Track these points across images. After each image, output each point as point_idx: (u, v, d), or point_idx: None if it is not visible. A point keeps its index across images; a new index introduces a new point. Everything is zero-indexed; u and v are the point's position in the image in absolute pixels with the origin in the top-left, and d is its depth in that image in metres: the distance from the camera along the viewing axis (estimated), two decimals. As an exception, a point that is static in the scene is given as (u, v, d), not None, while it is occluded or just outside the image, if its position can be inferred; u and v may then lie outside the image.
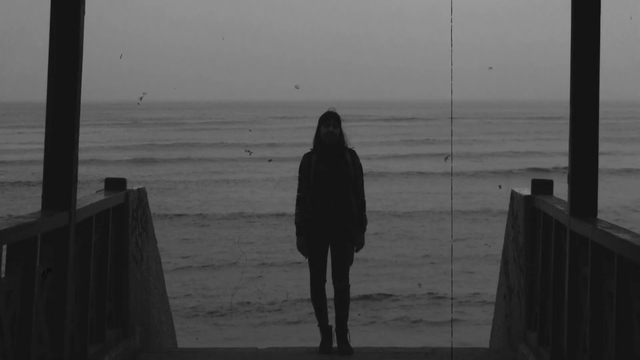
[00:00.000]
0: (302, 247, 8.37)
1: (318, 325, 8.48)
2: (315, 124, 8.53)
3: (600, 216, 6.31)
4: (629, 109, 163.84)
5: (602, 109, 6.52)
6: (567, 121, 6.46)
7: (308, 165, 8.33)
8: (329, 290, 8.38)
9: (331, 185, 8.23)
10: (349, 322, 8.43)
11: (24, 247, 5.59)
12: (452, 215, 29.07)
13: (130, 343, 7.93)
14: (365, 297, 17.41)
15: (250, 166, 48.33)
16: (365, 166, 9.22)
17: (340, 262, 8.29)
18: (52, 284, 6.07)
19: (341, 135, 8.35)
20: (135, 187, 8.28)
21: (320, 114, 8.55)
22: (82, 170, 34.57)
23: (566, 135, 6.54)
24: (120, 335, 7.79)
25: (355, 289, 9.75)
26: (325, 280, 8.40)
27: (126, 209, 7.93)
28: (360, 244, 8.40)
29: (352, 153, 8.40)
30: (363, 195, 8.40)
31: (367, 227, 8.51)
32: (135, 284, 8.12)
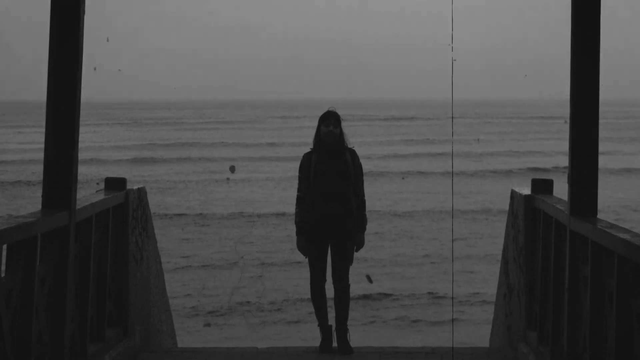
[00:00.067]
0: (302, 247, 8.37)
1: (318, 325, 8.48)
2: (315, 123, 8.54)
3: (600, 216, 6.31)
4: (629, 109, 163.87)
5: (602, 109, 6.52)
6: (567, 121, 6.46)
7: (308, 165, 8.33)
8: (329, 289, 8.38)
9: (331, 185, 8.23)
10: (349, 322, 8.43)
11: (24, 246, 5.59)
12: (453, 215, 29.08)
13: (130, 342, 7.93)
14: (365, 297, 17.42)
15: (250, 166, 48.35)
16: (365, 166, 9.22)
17: (340, 262, 8.29)
18: (52, 283, 6.07)
19: (341, 134, 8.35)
20: (135, 187, 8.28)
21: (320, 113, 8.56)
22: (82, 169, 34.54)
23: (566, 134, 6.54)
24: (120, 334, 7.79)
25: (355, 289, 9.74)
26: (325, 280, 8.40)
27: (126, 208, 7.93)
28: (360, 244, 8.40)
29: (352, 153, 8.40)
30: (363, 195, 8.40)
31: (367, 226, 8.51)
32: (135, 284, 8.12)
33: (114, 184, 7.94)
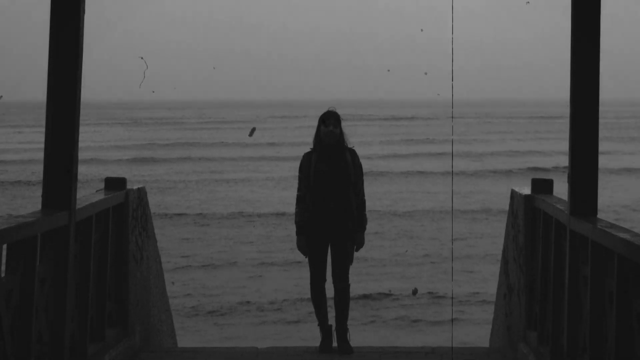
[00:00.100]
0: (302, 247, 8.37)
1: (318, 325, 8.48)
2: (315, 123, 8.53)
3: (600, 215, 6.31)
4: (630, 108, 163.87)
5: (602, 108, 6.52)
6: (567, 120, 6.46)
7: (308, 165, 8.33)
8: (329, 289, 8.38)
9: (331, 185, 8.23)
10: (349, 322, 8.43)
11: (24, 246, 5.59)
12: (452, 215, 29.07)
13: (130, 342, 7.93)
14: (365, 297, 17.42)
15: (250, 165, 48.35)
16: (365, 165, 9.22)
17: (340, 262, 8.29)
18: (52, 283, 6.07)
19: (341, 134, 8.35)
20: (135, 187, 8.28)
21: (320, 113, 8.55)
22: (82, 169, 34.57)
23: (566, 134, 6.54)
24: (120, 334, 7.79)
25: (355, 288, 9.75)
26: (325, 280, 8.40)
27: (126, 208, 7.93)
28: (360, 244, 8.39)
29: (352, 152, 8.40)
30: (363, 195, 8.40)
31: (367, 226, 8.51)
32: (135, 284, 8.12)
33: (114, 184, 7.94)
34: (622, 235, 5.40)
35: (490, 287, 15.95)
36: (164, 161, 50.89)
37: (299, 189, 8.39)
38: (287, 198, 32.33)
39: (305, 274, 8.91)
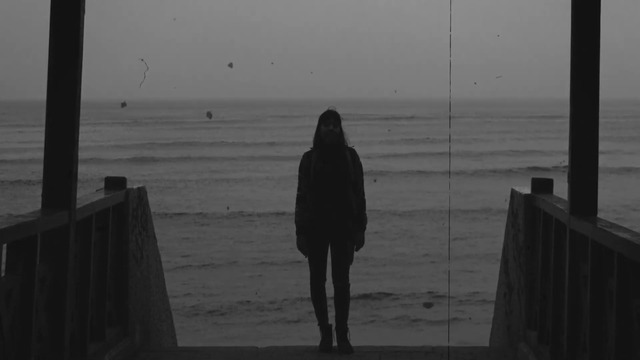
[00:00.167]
0: (302, 246, 8.37)
1: (318, 324, 8.48)
2: (315, 122, 8.53)
3: (600, 215, 6.31)
4: (630, 108, 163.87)
5: (601, 108, 6.52)
6: (567, 120, 6.46)
7: (308, 164, 8.33)
8: (329, 289, 8.38)
9: (331, 184, 8.23)
10: (348, 321, 8.43)
11: (24, 246, 5.59)
12: (450, 214, 29.07)
13: (130, 342, 7.93)
14: (365, 296, 17.42)
15: (250, 165, 48.36)
16: (365, 165, 9.21)
17: (340, 261, 8.29)
18: (52, 283, 6.07)
19: (341, 134, 8.35)
20: (135, 186, 8.28)
21: (320, 112, 8.55)
22: (82, 169, 34.50)
23: (566, 134, 6.54)
24: (120, 334, 7.79)
25: (355, 288, 9.74)
26: (325, 279, 8.40)
27: (126, 207, 7.93)
28: (360, 243, 8.39)
29: (352, 152, 8.40)
30: (363, 194, 8.41)
31: (367, 226, 8.51)
32: (135, 283, 8.12)
33: (114, 184, 7.94)
34: (622, 234, 5.40)
35: (490, 287, 15.94)
36: (164, 161, 50.90)
37: (299, 189, 8.39)
38: (287, 197, 32.34)
39: (305, 273, 8.91)
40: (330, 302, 8.41)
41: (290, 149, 56.41)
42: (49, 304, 6.03)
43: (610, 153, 52.80)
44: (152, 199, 10.94)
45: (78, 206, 6.39)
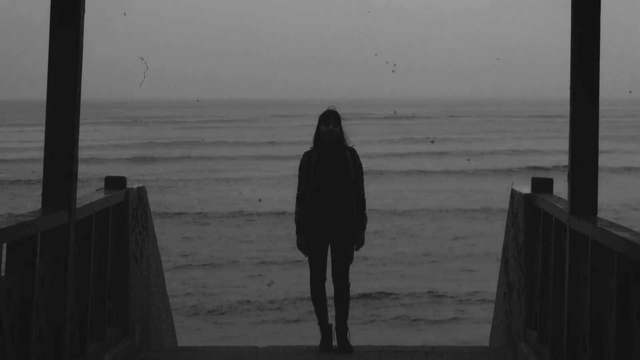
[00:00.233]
0: (302, 246, 8.37)
1: (318, 324, 8.48)
2: (315, 122, 8.53)
3: (600, 214, 6.31)
4: (631, 107, 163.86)
5: (602, 108, 6.52)
6: (568, 119, 6.46)
7: (308, 164, 8.33)
8: (329, 288, 8.38)
9: (331, 184, 8.23)
10: (348, 321, 8.43)
11: (24, 245, 5.59)
12: (450, 213, 29.07)
13: (130, 341, 7.93)
14: (365, 296, 17.41)
15: (250, 164, 48.36)
16: (365, 164, 9.22)
17: (340, 261, 8.29)
18: (52, 282, 6.07)
19: (341, 133, 8.35)
20: (135, 186, 8.28)
21: (320, 112, 8.55)
22: (82, 168, 34.51)
23: (566, 133, 6.54)
24: (120, 333, 7.79)
25: (355, 288, 9.74)
26: (325, 279, 8.40)
27: (126, 207, 7.93)
28: (360, 243, 8.39)
29: (352, 151, 8.40)
30: (363, 194, 8.40)
31: (367, 225, 8.51)
32: (135, 283, 8.12)
33: (114, 183, 7.94)
34: (622, 234, 5.40)
35: (491, 286, 15.95)
36: (164, 160, 50.90)
37: (299, 188, 8.39)
38: (287, 197, 32.33)
39: (305, 273, 8.91)
40: (330, 302, 8.40)
41: (290, 149, 56.40)
42: (49, 304, 6.03)
43: (610, 152, 52.79)
44: (152, 198, 10.95)
45: (78, 206, 6.39)
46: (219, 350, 8.58)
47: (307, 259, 8.46)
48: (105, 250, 7.41)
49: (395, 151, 56.57)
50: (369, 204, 8.97)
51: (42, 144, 6.19)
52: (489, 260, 20.76)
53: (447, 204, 31.50)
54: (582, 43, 6.25)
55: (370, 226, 10.74)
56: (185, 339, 12.66)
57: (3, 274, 5.49)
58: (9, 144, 63.87)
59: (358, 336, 10.60)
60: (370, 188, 24.09)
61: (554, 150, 56.55)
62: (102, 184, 8.04)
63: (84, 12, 6.20)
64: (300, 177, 8.39)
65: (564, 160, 41.74)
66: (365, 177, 8.57)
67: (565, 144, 7.57)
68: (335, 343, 8.34)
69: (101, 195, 7.42)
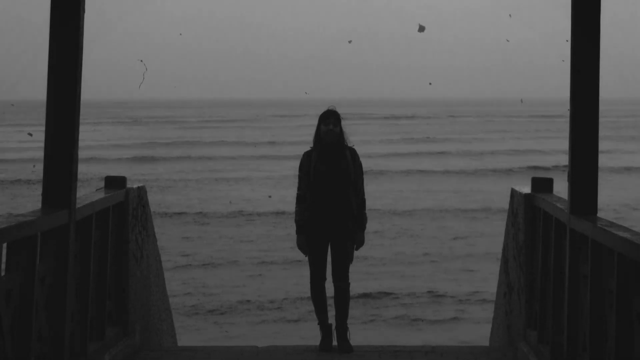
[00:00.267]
0: (302, 246, 8.37)
1: (318, 324, 8.48)
2: (315, 122, 8.53)
3: (600, 214, 6.31)
4: (631, 107, 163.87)
5: (602, 107, 6.52)
6: (568, 119, 6.46)
7: (308, 164, 8.33)
8: (329, 288, 8.38)
9: (331, 184, 8.23)
10: (348, 321, 8.43)
11: (24, 245, 5.59)
12: (450, 213, 29.06)
13: (130, 341, 7.93)
14: (365, 296, 17.41)
15: (250, 164, 48.36)
16: (365, 164, 9.22)
17: (340, 261, 8.29)
18: (52, 282, 6.07)
19: (341, 133, 8.35)
20: (135, 186, 8.28)
21: (320, 112, 8.55)
22: (82, 168, 34.52)
23: (566, 133, 6.54)
24: (120, 333, 7.79)
25: (355, 287, 9.74)
26: (325, 279, 8.40)
27: (126, 207, 7.93)
28: (360, 243, 8.39)
29: (352, 151, 8.40)
30: (363, 194, 8.40)
31: (367, 225, 8.51)
32: (135, 282, 8.12)
33: (114, 183, 7.94)
34: (622, 234, 5.40)
35: (491, 286, 15.95)
36: (164, 160, 50.91)
37: (299, 188, 8.39)
38: (287, 197, 32.34)
39: (305, 272, 8.92)
40: (330, 302, 8.40)
41: (290, 148, 56.41)
42: (49, 304, 6.03)
43: (610, 152, 52.79)
44: (152, 198, 10.95)
45: (78, 205, 6.39)
46: (219, 350, 8.58)
47: (307, 258, 8.46)
48: (105, 250, 7.41)
49: (395, 151, 56.57)
50: (369, 204, 8.97)
51: (43, 144, 6.18)
52: (489, 260, 20.76)
53: (447, 203, 31.50)
54: (582, 43, 6.25)
55: (370, 226, 10.74)
56: (185, 339, 12.66)
57: (3, 273, 5.49)
58: (9, 143, 63.86)
59: (358, 336, 10.60)
60: (370, 188, 24.10)
61: (554, 150, 56.55)
62: (102, 184, 8.04)
63: (84, 12, 6.20)
64: (300, 177, 8.39)
65: (564, 160, 41.76)
66: (365, 177, 8.57)
67: (565, 144, 7.57)
68: (335, 343, 8.34)
69: (101, 195, 7.42)
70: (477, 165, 46.57)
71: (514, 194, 8.30)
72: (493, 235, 23.98)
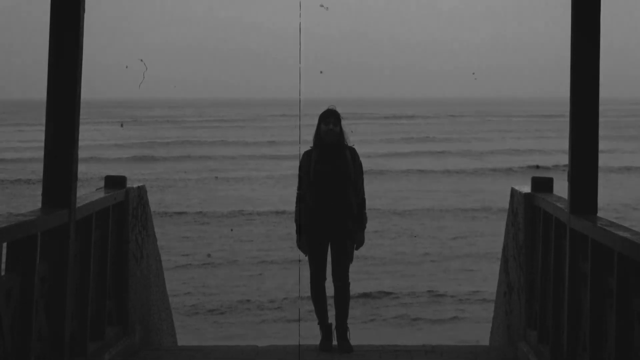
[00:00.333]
0: (302, 245, 8.37)
1: (318, 323, 8.48)
2: (315, 121, 8.53)
3: (600, 214, 6.30)
4: (630, 107, 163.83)
5: (602, 107, 6.52)
6: (568, 119, 6.46)
7: (308, 163, 8.33)
8: (329, 288, 8.38)
9: (331, 183, 8.23)
10: (348, 320, 8.43)
11: (24, 245, 5.59)
12: (450, 213, 29.06)
13: (130, 341, 7.93)
14: (365, 295, 17.41)
15: (250, 164, 48.35)
16: (365, 164, 9.22)
17: (340, 260, 8.29)
18: (52, 282, 6.07)
19: (341, 133, 8.35)
20: (135, 185, 8.28)
21: (320, 111, 8.55)
22: (82, 168, 34.44)
23: (566, 133, 6.54)
24: (120, 333, 7.79)
25: (355, 287, 9.74)
26: (325, 278, 8.40)
27: (126, 206, 7.93)
28: (360, 242, 8.40)
29: (352, 151, 8.40)
30: (363, 193, 8.41)
31: (367, 225, 8.51)
32: (135, 282, 8.12)
33: (114, 182, 7.94)
34: (622, 233, 5.40)
35: (491, 286, 15.95)
36: (164, 160, 50.90)
37: (299, 188, 8.40)
38: (287, 196, 32.34)
39: (305, 272, 8.92)
40: (330, 301, 8.41)
41: (290, 148, 56.39)
42: (49, 303, 6.03)
43: (610, 152, 52.78)
44: (152, 198, 10.94)
45: (78, 205, 6.39)
46: (219, 350, 8.59)
47: (307, 258, 8.46)
48: (105, 249, 7.41)
49: (395, 151, 56.55)
50: (369, 203, 8.96)
51: (43, 144, 6.18)
52: (489, 260, 20.76)
53: (447, 203, 31.50)
54: (582, 42, 6.25)
55: (370, 226, 10.73)
56: (185, 339, 12.64)
57: (3, 273, 5.49)
58: (9, 143, 63.85)
59: (358, 336, 10.59)
60: (370, 188, 24.07)
61: (554, 149, 56.55)
62: (102, 184, 8.04)
63: (84, 12, 6.20)
64: (300, 177, 8.39)
65: (564, 159, 41.74)
66: (365, 176, 8.58)
67: (565, 144, 7.57)
68: (335, 342, 8.35)
69: (101, 194, 7.42)
70: (477, 165, 46.57)
71: (513, 193, 8.30)
72: (493, 235, 23.98)
